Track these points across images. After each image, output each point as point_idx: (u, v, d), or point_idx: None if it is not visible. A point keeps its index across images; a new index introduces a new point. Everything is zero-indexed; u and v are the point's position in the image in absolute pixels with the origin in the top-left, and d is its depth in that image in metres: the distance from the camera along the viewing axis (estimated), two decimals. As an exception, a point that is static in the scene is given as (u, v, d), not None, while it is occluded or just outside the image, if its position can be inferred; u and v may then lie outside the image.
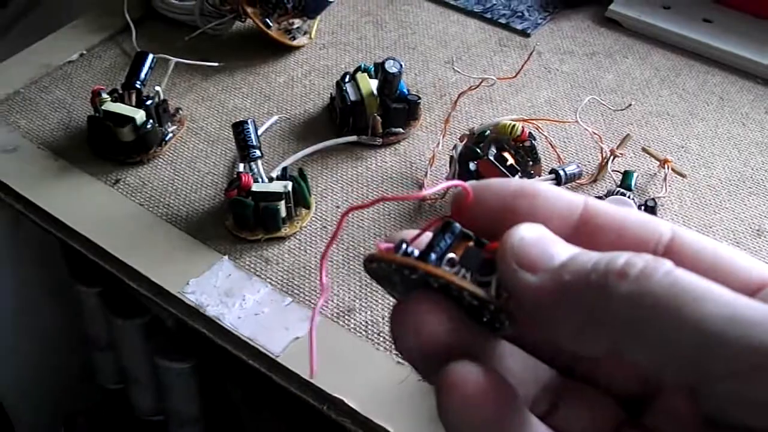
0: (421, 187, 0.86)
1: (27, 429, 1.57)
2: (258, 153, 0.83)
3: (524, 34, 1.02)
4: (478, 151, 0.82)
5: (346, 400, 0.70)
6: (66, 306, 1.40)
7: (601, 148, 0.86)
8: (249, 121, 0.83)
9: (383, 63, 0.87)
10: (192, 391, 0.99)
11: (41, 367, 1.51)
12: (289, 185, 0.81)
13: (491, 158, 0.82)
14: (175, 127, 0.91)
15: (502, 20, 1.04)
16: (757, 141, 0.90)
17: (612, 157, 0.86)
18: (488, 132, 0.84)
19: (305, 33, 1.01)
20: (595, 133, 0.86)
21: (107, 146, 0.88)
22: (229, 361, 0.84)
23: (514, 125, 0.83)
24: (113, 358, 1.09)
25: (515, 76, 0.88)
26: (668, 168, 0.85)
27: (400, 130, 0.90)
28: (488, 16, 1.05)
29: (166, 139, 0.90)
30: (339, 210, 0.84)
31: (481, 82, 0.86)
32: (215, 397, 0.98)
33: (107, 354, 1.10)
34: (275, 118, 0.92)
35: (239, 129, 0.83)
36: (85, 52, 1.01)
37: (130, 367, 1.06)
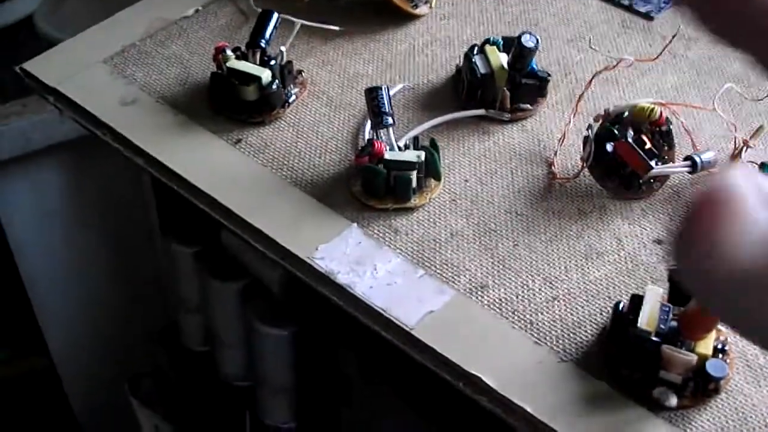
0: (550, 165, 0.84)
1: (77, 391, 1.57)
2: (391, 120, 0.81)
3: (647, 17, 1.00)
4: (616, 132, 0.81)
5: (483, 378, 0.69)
6: (148, 265, 1.40)
7: (734, 138, 0.84)
8: (383, 87, 0.82)
9: (519, 36, 0.85)
10: (288, 359, 0.98)
11: (105, 325, 1.51)
12: (422, 155, 0.80)
13: (630, 140, 0.80)
14: (297, 89, 0.90)
15: (625, 2, 1.02)
16: None
17: (745, 148, 0.84)
18: (626, 114, 0.82)
19: (426, 2, 0.99)
20: (731, 123, 0.84)
21: (229, 104, 0.87)
22: (345, 329, 0.83)
23: (652, 108, 0.81)
24: (202, 319, 1.08)
25: (656, 58, 0.86)
26: (804, 162, 0.83)
27: (528, 106, 0.88)
28: (611, -4, 1.03)
29: (289, 100, 0.88)
30: (467, 184, 0.83)
31: (619, 62, 0.84)
32: (318, 367, 0.97)
33: (196, 316, 1.08)
34: (401, 86, 0.90)
35: (373, 95, 0.82)
36: (200, 8, 0.99)
37: (222, 331, 1.04)
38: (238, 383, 1.08)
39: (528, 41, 0.85)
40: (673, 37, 0.86)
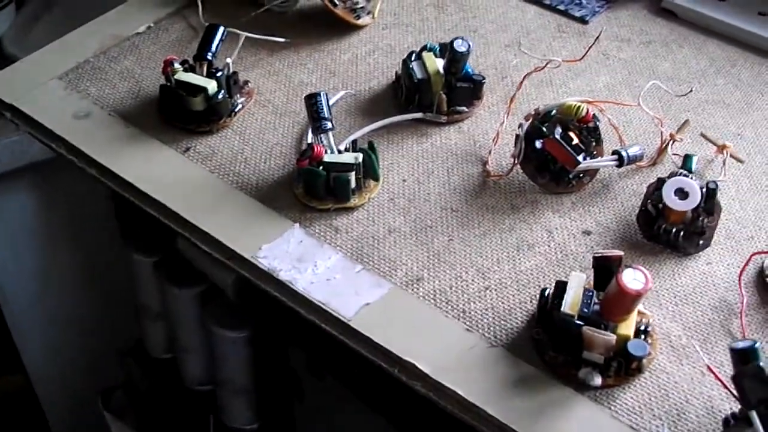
0: (485, 164, 0.88)
1: (56, 406, 1.59)
2: (330, 125, 0.85)
3: (582, 21, 1.04)
4: (544, 129, 0.85)
5: (417, 364, 0.72)
6: (113, 277, 1.42)
7: (661, 133, 0.88)
8: (321, 93, 0.86)
9: (452, 42, 0.89)
10: (246, 360, 1.01)
11: (77, 341, 1.53)
12: (360, 157, 0.84)
13: (557, 137, 0.84)
14: (244, 99, 0.94)
15: (561, 7, 1.06)
16: (811, 131, 0.93)
17: (671, 142, 0.88)
18: (554, 112, 0.86)
19: (368, 13, 1.03)
20: (657, 117, 0.88)
21: (178, 115, 0.91)
22: (293, 327, 0.86)
23: (579, 106, 0.85)
24: (164, 327, 1.11)
25: (581, 59, 0.90)
26: (727, 153, 0.87)
27: (464, 108, 0.92)
28: (547, 2, 1.07)
29: (236, 110, 0.92)
30: (405, 183, 0.86)
31: (547, 64, 0.88)
32: (272, 366, 1.00)
33: (159, 323, 1.11)
34: (343, 92, 0.94)
35: (312, 101, 0.85)
36: (152, 24, 1.03)
37: (183, 336, 1.08)
38: (201, 387, 1.11)
39: (460, 46, 0.88)
40: (596, 38, 0.91)
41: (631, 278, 0.70)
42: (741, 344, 0.67)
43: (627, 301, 0.70)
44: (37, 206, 1.40)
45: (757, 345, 0.67)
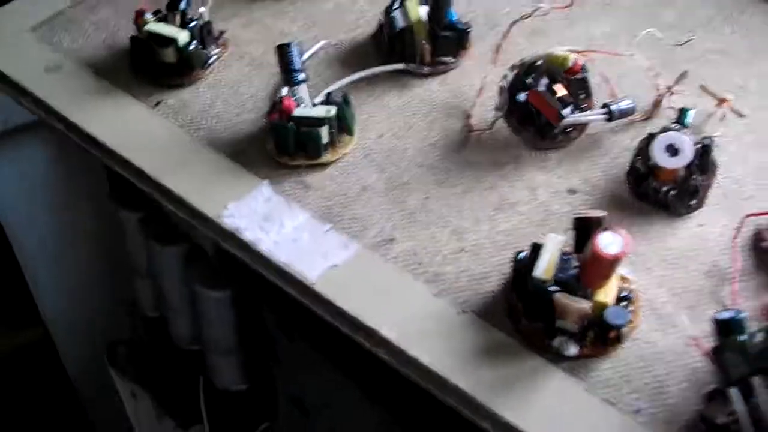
0: (468, 117, 0.83)
1: (73, 358, 1.60)
2: (302, 76, 0.81)
3: (583, -35, 0.98)
4: (528, 81, 0.79)
5: (380, 331, 0.69)
6: (111, 232, 1.41)
7: (657, 85, 0.83)
8: (293, 44, 0.81)
9: (433, -11, 0.84)
10: (229, 320, 0.98)
11: (86, 295, 1.52)
12: (333, 110, 0.79)
13: (541, 89, 0.79)
14: (219, 50, 0.90)
15: (561, -50, 1.00)
16: (823, 83, 0.86)
17: (668, 94, 0.82)
18: (540, 62, 0.80)
19: (355, -42, 0.99)
20: (650, 69, 0.82)
21: (149, 68, 0.87)
22: (267, 287, 0.83)
23: (566, 56, 0.80)
24: (152, 285, 1.09)
25: (570, 5, 0.85)
26: (726, 107, 0.81)
27: (449, 59, 0.87)
28: (547, -56, 1.01)
29: (210, 62, 0.88)
30: (382, 139, 0.82)
31: (534, 11, 0.83)
32: (252, 326, 0.97)
33: (147, 281, 1.09)
34: (322, 42, 0.90)
35: (283, 51, 0.81)
36: (131, -28, 1.00)
37: (168, 295, 1.05)
38: (190, 347, 1.08)
39: (442, -8, 0.84)
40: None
41: (609, 242, 0.65)
42: (725, 314, 0.63)
43: (603, 266, 0.66)
44: (52, 159, 1.39)
45: (741, 315, 0.62)
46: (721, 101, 0.82)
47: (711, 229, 0.75)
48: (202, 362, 1.07)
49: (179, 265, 1.01)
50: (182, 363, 1.13)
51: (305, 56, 0.86)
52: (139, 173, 0.80)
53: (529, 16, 0.83)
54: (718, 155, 0.79)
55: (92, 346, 1.53)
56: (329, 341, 0.82)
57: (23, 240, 1.44)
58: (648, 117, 0.83)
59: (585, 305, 0.66)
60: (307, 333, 0.87)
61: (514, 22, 0.84)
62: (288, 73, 0.81)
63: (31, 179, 1.38)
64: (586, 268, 0.67)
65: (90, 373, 1.59)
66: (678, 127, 0.76)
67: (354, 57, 0.89)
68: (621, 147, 0.81)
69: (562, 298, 0.66)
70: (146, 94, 0.86)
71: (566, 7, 0.86)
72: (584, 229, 0.69)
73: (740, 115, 0.82)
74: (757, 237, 0.74)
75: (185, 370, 1.14)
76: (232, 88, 0.87)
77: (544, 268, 0.67)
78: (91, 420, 1.67)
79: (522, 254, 0.70)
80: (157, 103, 0.86)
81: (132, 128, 0.84)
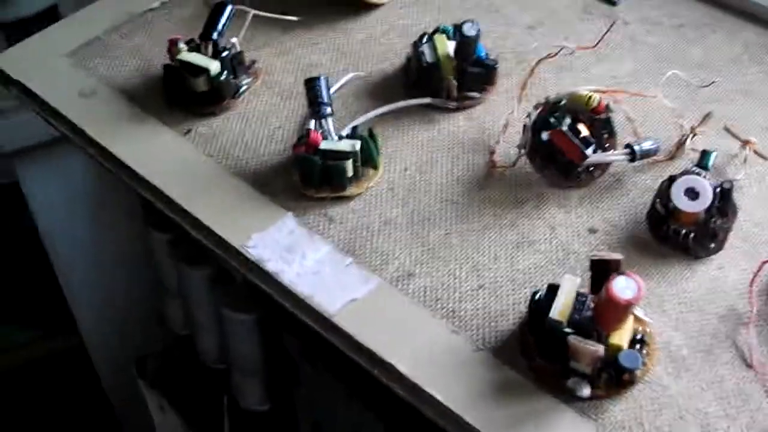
0: (492, 153, 0.84)
1: (106, 368, 1.62)
2: (329, 110, 0.82)
3: (611, 2, 0.99)
4: (552, 120, 0.80)
5: (396, 365, 0.70)
6: (145, 248, 1.43)
7: (681, 125, 0.83)
8: (321, 77, 0.83)
9: (461, 25, 0.85)
10: (254, 343, 1.00)
11: (120, 305, 1.55)
12: (358, 144, 0.81)
13: (564, 128, 0.79)
14: (250, 79, 0.91)
15: (590, -14, 1.01)
16: None
17: (692, 135, 0.83)
18: (564, 101, 0.81)
19: (387, -10, 1.00)
20: (674, 110, 0.83)
21: (181, 96, 0.89)
22: (290, 314, 0.84)
23: (590, 96, 0.80)
24: (182, 304, 1.10)
25: (595, 46, 0.85)
26: (749, 149, 0.81)
27: (476, 94, 0.89)
28: (576, -19, 1.02)
29: (240, 91, 0.90)
30: (407, 173, 0.83)
31: (560, 51, 0.84)
32: (276, 350, 0.98)
33: (176, 300, 1.11)
34: (350, 75, 0.91)
35: (311, 85, 0.83)
36: (166, 0, 1.01)
37: (197, 315, 1.07)
38: (217, 366, 1.10)
39: (469, 30, 0.84)
40: (612, 25, 0.85)
41: (623, 286, 0.65)
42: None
43: (618, 310, 0.66)
44: (96, 174, 1.41)
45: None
46: (745, 143, 0.82)
47: (729, 273, 0.75)
48: (228, 381, 1.09)
49: (207, 286, 1.02)
50: (208, 381, 1.15)
51: (333, 88, 0.88)
52: (167, 200, 0.82)
53: (555, 56, 0.84)
54: (740, 197, 0.79)
55: (124, 356, 1.55)
56: (351, 371, 0.83)
57: (60, 249, 1.46)
58: (671, 157, 0.83)
59: (598, 348, 0.66)
60: (330, 362, 0.88)
61: (540, 60, 0.84)
62: (315, 106, 0.82)
63: (72, 190, 1.41)
64: (601, 311, 0.68)
65: (121, 383, 1.61)
66: (698, 170, 0.77)
67: (382, 89, 0.91)
68: (643, 187, 0.81)
69: (576, 341, 0.67)
70: (177, 122, 0.88)
71: (591, 47, 0.87)
72: (601, 270, 0.70)
73: (764, 158, 0.82)
74: (776, 282, 0.74)
75: (211, 387, 1.15)
76: (261, 119, 0.88)
77: (559, 309, 0.68)
78: (123, 429, 1.70)
79: (538, 294, 0.71)
80: (188, 131, 0.87)
81: (161, 155, 0.85)
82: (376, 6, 0.99)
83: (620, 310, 0.66)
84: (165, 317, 1.17)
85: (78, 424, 1.76)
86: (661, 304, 0.73)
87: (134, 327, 1.55)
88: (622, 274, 0.66)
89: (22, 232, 1.47)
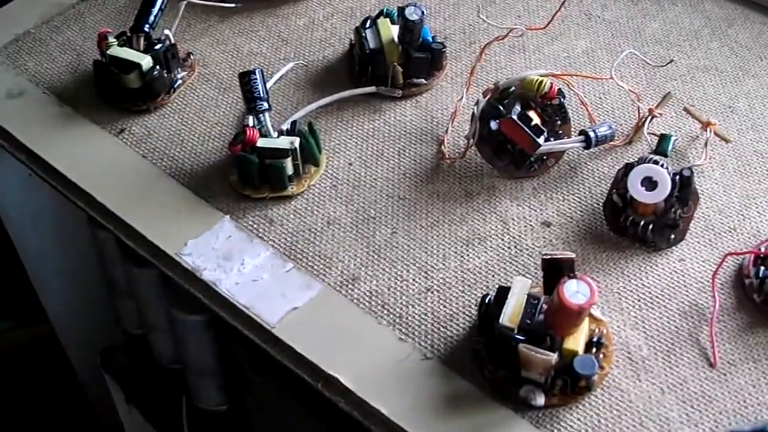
0: (440, 144, 0.80)
1: (77, 358, 1.59)
2: (265, 105, 0.78)
3: (566, -24, 0.94)
4: (501, 108, 0.76)
5: (341, 379, 0.66)
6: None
7: (638, 108, 0.79)
8: (256, 71, 0.78)
9: (403, 9, 0.80)
10: (207, 343, 0.96)
11: (84, 297, 1.51)
12: (297, 141, 0.76)
13: (514, 117, 0.75)
14: (185, 73, 0.87)
15: (543, -39, 0.96)
16: (816, 101, 0.82)
17: (650, 118, 0.79)
18: (513, 88, 0.77)
19: (329, -29, 0.95)
20: (631, 91, 0.78)
21: (113, 93, 0.84)
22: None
23: (541, 81, 0.76)
24: (134, 303, 1.07)
25: (546, 27, 0.81)
26: (711, 131, 0.77)
27: (423, 80, 0.84)
28: (529, -45, 0.97)
29: (175, 86, 0.85)
30: (351, 168, 0.79)
31: (509, 32, 0.79)
32: (229, 353, 0.95)
33: (129, 300, 1.07)
34: (290, 65, 0.87)
35: (246, 79, 0.78)
36: (99, -11, 0.97)
37: (149, 316, 1.03)
38: (173, 366, 1.07)
39: (412, 14, 0.80)
40: (563, 2, 0.81)
41: (574, 291, 0.62)
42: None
43: (570, 316, 0.62)
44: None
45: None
46: (706, 125, 0.78)
47: (691, 265, 0.71)
48: (185, 381, 1.05)
49: (156, 287, 0.98)
50: (166, 381, 1.12)
51: (273, 80, 0.83)
52: (101, 208, 0.78)
53: (504, 38, 0.79)
54: (702, 182, 0.76)
55: (92, 349, 1.52)
56: (300, 381, 0.79)
57: (24, 235, 1.43)
58: (629, 142, 0.79)
59: (551, 358, 0.63)
60: (279, 372, 0.84)
61: (488, 44, 0.80)
62: (251, 102, 0.77)
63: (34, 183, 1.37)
64: (553, 316, 0.64)
65: (93, 374, 1.58)
66: (656, 157, 0.73)
67: (324, 78, 0.86)
68: (599, 176, 0.77)
69: (526, 350, 0.63)
70: (110, 121, 0.84)
71: (541, 28, 0.82)
72: (554, 270, 0.66)
73: (725, 140, 0.78)
74: (740, 274, 0.71)
75: (170, 387, 1.12)
76: (199, 114, 0.84)
77: (509, 314, 0.64)
78: (97, 417, 1.67)
79: (488, 298, 0.67)
80: (121, 131, 0.83)
81: (94, 158, 0.81)
82: (319, -12, 0.95)
83: (572, 316, 0.62)
84: (120, 317, 1.13)
85: (54, 415, 1.74)
86: (619, 301, 0.70)
87: (100, 320, 1.52)
88: (574, 277, 0.62)
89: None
